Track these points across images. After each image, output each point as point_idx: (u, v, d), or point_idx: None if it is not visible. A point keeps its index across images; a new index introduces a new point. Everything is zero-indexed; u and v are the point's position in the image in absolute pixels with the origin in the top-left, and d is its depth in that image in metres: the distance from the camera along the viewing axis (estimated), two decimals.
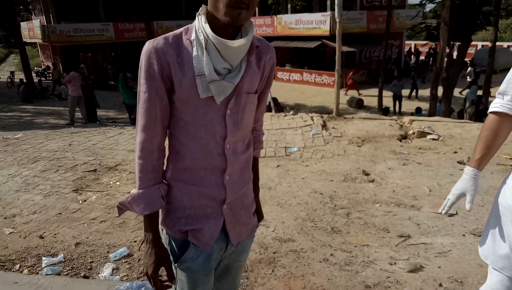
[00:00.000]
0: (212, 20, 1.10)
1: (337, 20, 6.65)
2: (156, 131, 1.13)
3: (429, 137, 5.64)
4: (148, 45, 1.10)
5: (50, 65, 22.13)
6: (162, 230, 1.27)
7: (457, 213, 3.34)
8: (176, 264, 1.24)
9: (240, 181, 1.25)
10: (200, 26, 1.10)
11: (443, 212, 1.53)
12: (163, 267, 1.18)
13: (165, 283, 1.20)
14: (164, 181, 1.21)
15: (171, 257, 1.24)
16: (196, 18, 1.13)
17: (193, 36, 1.11)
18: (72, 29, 21.38)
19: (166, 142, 1.22)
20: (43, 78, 19.04)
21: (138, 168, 1.16)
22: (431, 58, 24.89)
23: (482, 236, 1.51)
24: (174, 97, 1.13)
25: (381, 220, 3.29)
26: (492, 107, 1.44)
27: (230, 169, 1.20)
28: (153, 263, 1.16)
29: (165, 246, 1.25)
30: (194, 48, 1.10)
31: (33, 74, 19.46)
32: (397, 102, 14.63)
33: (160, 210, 1.27)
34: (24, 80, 17.10)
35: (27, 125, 9.66)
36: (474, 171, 1.45)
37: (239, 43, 1.09)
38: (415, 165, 4.59)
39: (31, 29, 24.23)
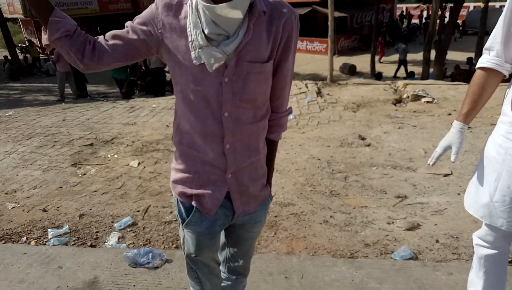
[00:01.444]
0: None
1: None
2: (103, 42, 1.15)
3: (423, 100, 5.67)
4: (155, 1, 1.12)
5: (34, 41, 21.51)
6: (172, 191, 1.30)
7: (452, 173, 3.42)
8: (182, 225, 1.27)
9: (245, 151, 1.20)
10: None
11: (431, 163, 1.59)
12: None
13: None
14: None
15: (179, 218, 1.28)
16: None
17: (189, 1, 1.07)
18: (54, 2, 20.58)
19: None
20: (28, 55, 18.51)
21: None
22: (422, 21, 24.67)
23: (467, 187, 1.58)
24: (171, 59, 1.12)
25: (378, 182, 3.37)
26: (479, 63, 1.48)
27: (230, 138, 1.15)
28: None
29: (175, 208, 1.29)
30: (189, 14, 1.06)
31: (17, 51, 18.93)
32: (401, 68, 14.26)
33: (171, 173, 1.30)
34: (9, 57, 16.66)
35: (16, 103, 9.49)
36: (460, 124, 1.50)
37: (225, 11, 1.01)
38: (410, 128, 4.64)
39: (11, 4, 23.32)
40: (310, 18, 20.77)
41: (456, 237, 2.51)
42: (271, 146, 1.31)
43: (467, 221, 2.68)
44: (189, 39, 1.07)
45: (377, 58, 15.46)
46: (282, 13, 1.10)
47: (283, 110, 1.27)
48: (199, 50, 1.05)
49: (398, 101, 5.83)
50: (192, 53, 1.07)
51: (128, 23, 1.16)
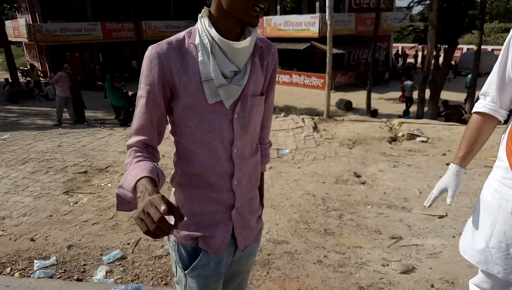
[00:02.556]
0: (216, 22, 1.07)
1: (328, 22, 6.71)
2: (150, 134, 1.10)
3: (418, 139, 5.73)
4: (150, 50, 1.07)
5: (35, 65, 21.80)
6: (169, 237, 1.24)
7: (447, 215, 3.40)
8: (186, 272, 1.22)
9: (248, 186, 1.24)
10: (204, 29, 1.07)
11: (427, 205, 1.60)
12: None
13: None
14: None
15: (180, 264, 1.22)
16: (199, 21, 1.09)
17: (197, 40, 1.08)
18: (58, 29, 21.07)
19: (173, 149, 1.21)
20: (29, 78, 18.71)
21: (128, 155, 1.08)
22: (416, 61, 25.38)
23: (463, 232, 1.57)
24: (179, 104, 1.10)
25: (373, 221, 3.34)
26: (475, 108, 1.51)
27: (238, 174, 1.18)
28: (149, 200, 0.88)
29: (172, 253, 1.24)
30: (200, 53, 1.07)
31: (19, 74, 19.13)
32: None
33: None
34: (10, 80, 16.80)
35: (13, 126, 9.47)
36: (456, 168, 1.52)
37: (245, 44, 1.07)
38: (405, 167, 4.66)
39: (16, 28, 23.80)
40: (308, 53, 21.29)
41: (452, 282, 2.47)
42: (261, 178, 1.36)
43: (462, 265, 2.64)
44: (203, 79, 1.07)
45: (392, 94, 14.94)
46: (270, 48, 1.19)
47: (267, 141, 1.36)
48: (218, 88, 1.06)
49: (394, 139, 5.88)
50: (207, 92, 1.07)
51: (141, 94, 1.09)
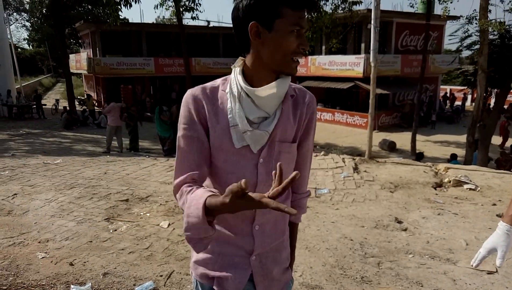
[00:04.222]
0: (251, 71, 1.13)
1: (372, 64, 6.71)
2: (196, 169, 1.12)
3: (465, 186, 5.42)
4: (187, 93, 1.16)
5: (91, 95, 23.35)
6: (192, 272, 1.28)
7: (497, 271, 3.14)
8: None
9: (272, 233, 1.23)
10: (234, 77, 1.15)
11: (474, 265, 1.51)
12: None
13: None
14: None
15: None
16: (233, 70, 1.18)
17: (227, 88, 1.15)
18: (115, 62, 22.64)
19: None
20: (85, 107, 20.05)
21: (179, 197, 1.10)
22: (464, 103, 24.53)
23: None
24: (211, 143, 1.15)
25: (414, 272, 3.15)
26: None
27: (260, 219, 1.18)
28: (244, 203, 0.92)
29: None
30: (229, 100, 1.14)
31: (76, 103, 20.57)
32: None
33: (191, 253, 1.28)
34: (67, 108, 18.10)
35: (66, 151, 10.09)
36: (507, 226, 1.44)
37: (269, 92, 1.11)
38: (451, 215, 4.40)
39: (78, 60, 25.87)
40: (352, 92, 21.24)
41: None
42: (293, 229, 1.35)
43: None
44: (230, 124, 1.12)
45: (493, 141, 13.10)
46: (305, 98, 1.22)
47: (303, 190, 1.34)
48: (244, 134, 1.11)
49: (439, 185, 5.61)
50: (234, 136, 1.12)
51: (181, 134, 1.15)
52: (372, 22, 6.51)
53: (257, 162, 1.15)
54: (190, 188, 1.06)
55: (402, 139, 16.14)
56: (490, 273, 3.12)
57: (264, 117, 1.14)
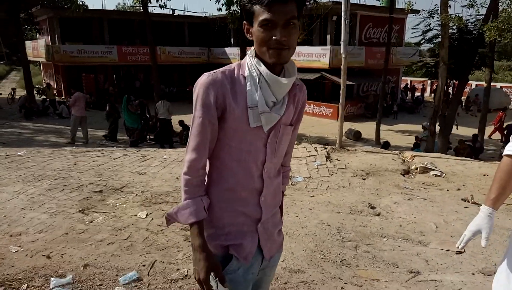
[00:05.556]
0: (261, 61, 1.25)
1: (343, 55, 6.84)
2: (204, 152, 1.27)
3: (431, 173, 5.70)
4: (207, 77, 1.24)
5: (51, 83, 22.29)
6: None
7: (464, 251, 3.34)
8: (217, 279, 1.29)
9: (272, 202, 1.41)
10: (252, 64, 1.26)
11: (460, 247, 1.60)
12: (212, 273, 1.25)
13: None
14: (207, 195, 1.32)
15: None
16: (248, 57, 1.29)
17: (246, 72, 1.27)
18: (76, 50, 21.70)
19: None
20: (44, 96, 19.13)
21: (184, 182, 1.27)
22: (423, 94, 25.67)
23: (496, 273, 1.56)
24: (224, 124, 1.27)
25: (389, 254, 3.29)
26: (506, 150, 1.55)
27: (265, 191, 1.35)
28: (204, 267, 1.23)
29: None
30: (248, 83, 1.26)
31: (35, 92, 19.56)
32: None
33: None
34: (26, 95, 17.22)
35: (27, 142, 9.63)
36: (489, 209, 1.54)
37: (289, 81, 1.26)
38: (420, 200, 4.63)
39: (36, 48, 24.54)
40: (318, 84, 21.56)
41: None
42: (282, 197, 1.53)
43: None
44: (248, 105, 1.24)
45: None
46: (302, 87, 1.39)
47: (288, 164, 1.55)
48: (260, 114, 1.24)
49: (407, 172, 5.86)
50: (250, 117, 1.24)
51: (197, 114, 1.24)
52: (342, 14, 6.62)
53: (266, 142, 1.31)
54: (189, 188, 1.27)
55: (367, 128, 16.65)
56: (458, 253, 3.33)
57: (274, 102, 1.28)
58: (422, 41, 14.16)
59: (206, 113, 1.22)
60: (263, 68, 1.23)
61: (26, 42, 21.85)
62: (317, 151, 6.35)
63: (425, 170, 5.77)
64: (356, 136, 15.76)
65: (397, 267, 3.09)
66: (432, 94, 26.00)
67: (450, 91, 17.86)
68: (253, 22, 1.21)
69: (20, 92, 20.19)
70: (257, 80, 1.24)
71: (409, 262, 3.17)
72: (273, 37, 1.17)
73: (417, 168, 5.84)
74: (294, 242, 3.44)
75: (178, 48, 25.11)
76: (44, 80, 27.10)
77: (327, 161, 5.97)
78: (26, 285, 2.59)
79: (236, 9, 13.54)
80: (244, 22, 1.25)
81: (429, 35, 13.57)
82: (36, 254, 2.99)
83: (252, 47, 1.28)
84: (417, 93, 26.65)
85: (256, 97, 1.24)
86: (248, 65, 1.27)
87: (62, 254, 3.01)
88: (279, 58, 1.20)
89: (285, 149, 1.41)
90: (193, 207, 1.25)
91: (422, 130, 12.97)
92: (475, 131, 13.95)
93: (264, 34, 1.18)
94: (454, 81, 14.29)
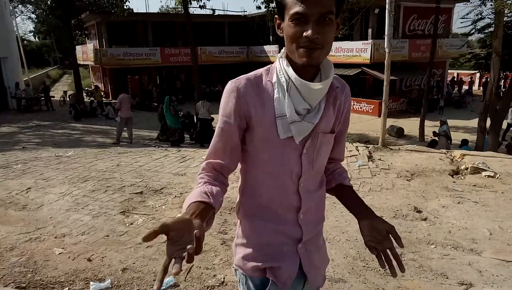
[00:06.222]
0: (291, 62, 1.12)
1: (387, 50, 6.53)
2: (221, 156, 1.17)
3: (484, 173, 5.30)
4: (230, 85, 1.14)
5: (99, 86, 23.34)
6: (236, 270, 1.27)
7: None
8: None
9: (314, 220, 1.27)
10: (281, 68, 1.13)
11: None
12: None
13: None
14: (219, 186, 1.13)
15: None
16: (277, 60, 1.17)
17: (274, 78, 1.14)
18: (122, 53, 22.55)
19: (238, 180, 1.26)
20: (93, 98, 20.07)
21: (196, 183, 1.16)
22: (471, 88, 24.21)
23: None
24: (253, 135, 1.16)
25: (437, 263, 3.07)
26: None
27: (304, 208, 1.21)
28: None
29: (240, 287, 1.26)
30: (276, 90, 1.13)
31: (84, 94, 20.59)
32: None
33: (234, 249, 1.29)
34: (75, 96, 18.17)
35: (76, 143, 10.11)
36: None
37: (320, 86, 1.11)
38: (471, 204, 4.31)
39: (85, 52, 25.82)
40: (359, 79, 20.97)
41: None
42: (355, 192, 1.36)
43: None
44: (277, 115, 1.12)
45: None
46: (344, 89, 1.25)
47: (341, 165, 1.42)
48: (290, 124, 1.12)
49: (456, 172, 5.49)
50: (279, 127, 1.12)
51: (219, 124, 1.17)
52: (387, 6, 6.31)
53: (301, 153, 1.17)
54: (201, 180, 1.13)
55: (410, 125, 15.97)
56: None
57: (308, 109, 1.14)
58: (472, 31, 13.24)
59: (225, 122, 1.14)
60: (291, 72, 1.10)
61: (76, 47, 23.04)
62: (358, 150, 6.11)
63: (476, 170, 5.37)
64: (399, 133, 15.18)
65: (447, 278, 2.87)
66: (481, 88, 24.52)
67: (502, 84, 16.67)
68: (283, 16, 1.08)
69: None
70: (285, 87, 1.11)
71: (460, 273, 2.93)
72: (304, 34, 1.03)
73: (467, 168, 5.45)
74: (334, 248, 3.30)
75: (218, 48, 25.39)
76: (93, 82, 28.46)
77: (369, 161, 5.73)
78: (67, 288, 2.66)
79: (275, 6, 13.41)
80: (276, 16, 1.13)
81: (480, 24, 12.68)
82: (78, 257, 3.07)
83: (284, 48, 1.14)
84: (465, 87, 25.19)
85: (284, 105, 1.11)
86: (277, 69, 1.14)
87: (103, 257, 3.07)
88: (309, 58, 1.05)
89: (325, 160, 1.26)
90: (194, 193, 1.06)
91: (439, 124, 12.21)
92: None
93: (294, 30, 1.04)
94: (507, 73, 13.30)
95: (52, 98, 19.66)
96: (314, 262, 1.27)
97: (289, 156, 1.16)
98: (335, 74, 1.21)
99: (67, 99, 20.50)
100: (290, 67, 1.11)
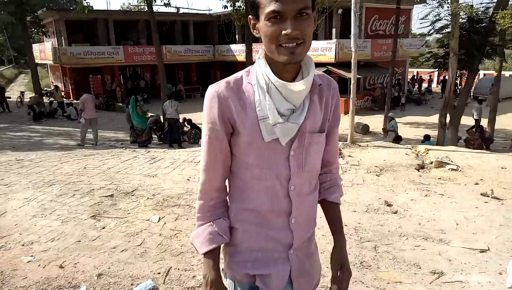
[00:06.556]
0: (271, 62, 1.09)
1: (353, 49, 6.70)
2: (216, 172, 1.15)
3: (447, 167, 5.56)
4: (210, 90, 1.11)
5: (59, 86, 22.40)
6: (226, 274, 1.23)
7: (489, 249, 3.23)
8: None
9: (306, 225, 1.22)
10: (260, 69, 1.10)
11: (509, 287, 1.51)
12: None
13: None
14: (223, 218, 1.19)
15: None
16: (256, 61, 1.13)
17: (254, 80, 1.11)
18: (82, 52, 21.73)
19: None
20: (52, 99, 19.21)
21: (197, 208, 1.19)
22: (430, 85, 25.40)
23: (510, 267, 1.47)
24: (239, 139, 1.12)
25: (410, 254, 3.19)
26: None
27: (295, 212, 1.17)
28: None
29: None
30: (256, 93, 1.09)
31: (43, 94, 19.66)
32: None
33: (223, 254, 1.23)
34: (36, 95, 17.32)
35: (37, 145, 9.64)
36: None
37: (300, 87, 1.07)
38: (437, 196, 4.50)
39: (43, 50, 24.68)
40: None
41: None
42: (336, 211, 1.32)
43: None
44: (259, 117, 1.08)
45: None
46: (330, 85, 1.20)
47: (336, 172, 1.36)
48: (274, 126, 1.07)
49: (421, 167, 5.72)
50: (263, 130, 1.08)
51: (204, 131, 1.15)
52: (352, 7, 6.47)
53: (288, 155, 1.13)
54: (208, 213, 1.17)
55: (375, 121, 16.48)
56: (482, 251, 3.21)
57: (292, 109, 1.10)
58: (431, 32, 13.81)
59: (211, 129, 1.12)
60: (270, 73, 1.07)
61: (33, 45, 21.96)
62: None
63: (440, 164, 5.62)
64: (364, 130, 15.61)
65: (420, 268, 2.98)
66: (439, 85, 25.72)
67: (458, 81, 17.56)
68: (259, 15, 1.04)
69: (29, 95, 20.29)
70: (265, 88, 1.08)
71: (432, 262, 3.06)
72: (283, 32, 1.00)
73: (432, 163, 5.70)
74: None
75: (183, 47, 25.05)
76: (52, 82, 27.26)
77: (339, 158, 5.85)
78: None
79: (241, 5, 13.40)
80: (250, 16, 1.08)
81: (438, 25, 13.27)
82: (48, 264, 2.94)
83: (262, 48, 1.11)
84: (424, 85, 26.34)
85: (266, 107, 1.07)
86: (256, 70, 1.11)
87: (75, 263, 2.95)
88: (291, 56, 1.02)
89: (317, 160, 1.21)
90: (203, 234, 1.15)
91: (388, 120, 13.13)
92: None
93: (272, 29, 1.01)
94: (463, 72, 14.02)
95: (8, 99, 18.63)
96: (304, 268, 1.24)
97: (276, 159, 1.12)
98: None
99: (25, 100, 19.52)
100: (269, 68, 1.08)
